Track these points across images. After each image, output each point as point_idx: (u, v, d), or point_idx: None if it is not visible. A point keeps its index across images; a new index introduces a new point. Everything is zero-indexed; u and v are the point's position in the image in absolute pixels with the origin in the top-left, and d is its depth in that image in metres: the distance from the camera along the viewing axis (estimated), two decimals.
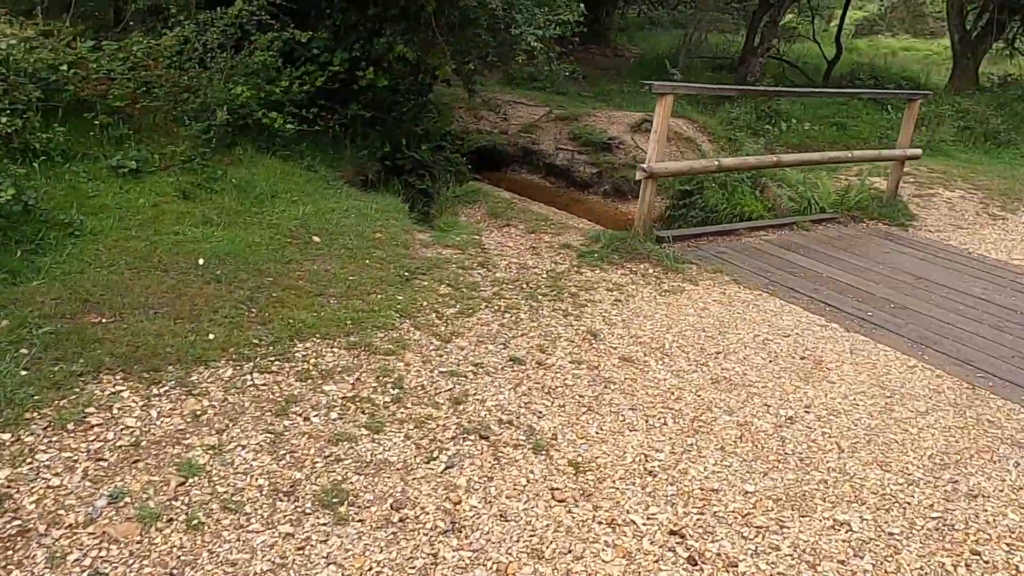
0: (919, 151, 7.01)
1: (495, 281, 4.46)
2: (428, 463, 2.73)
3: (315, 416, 2.90)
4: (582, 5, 8.19)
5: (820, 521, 2.65)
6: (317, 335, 3.47)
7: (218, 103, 5.53)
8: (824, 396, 3.54)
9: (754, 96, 11.00)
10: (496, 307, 4.09)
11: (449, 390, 3.20)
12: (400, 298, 3.98)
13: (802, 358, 3.92)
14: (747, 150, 8.89)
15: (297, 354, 3.30)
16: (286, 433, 2.78)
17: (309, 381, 3.12)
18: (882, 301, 4.85)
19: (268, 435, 2.75)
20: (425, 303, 3.99)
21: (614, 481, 2.76)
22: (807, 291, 4.90)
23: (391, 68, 7.13)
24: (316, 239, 4.54)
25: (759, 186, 7.29)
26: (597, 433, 3.04)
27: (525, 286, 4.45)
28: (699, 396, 3.42)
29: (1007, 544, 2.62)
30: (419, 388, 3.18)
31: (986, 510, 2.80)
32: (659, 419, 3.19)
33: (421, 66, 7.20)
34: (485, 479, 2.68)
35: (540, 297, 4.31)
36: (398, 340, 3.54)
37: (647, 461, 2.89)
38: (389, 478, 2.63)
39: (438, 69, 6.83)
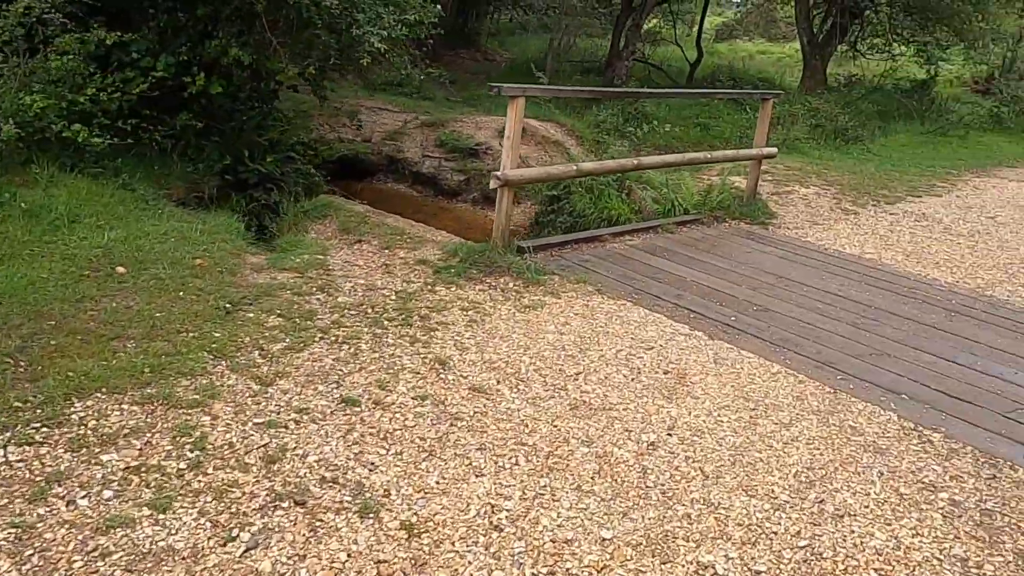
0: (775, 150, 7.10)
1: (336, 307, 3.99)
2: (225, 545, 2.25)
3: (83, 497, 2.35)
4: (438, 6, 7.84)
5: (683, 567, 2.38)
6: (103, 389, 2.89)
7: (6, 115, 4.74)
8: (688, 414, 3.31)
9: (618, 98, 11.00)
10: (333, 338, 3.63)
11: (263, 446, 2.72)
12: (217, 335, 3.44)
13: (665, 372, 3.70)
14: (614, 152, 8.80)
15: (73, 416, 2.72)
16: (39, 525, 2.22)
17: (83, 451, 2.56)
18: (745, 304, 4.75)
19: (13, 530, 2.18)
20: (248, 339, 3.47)
21: (454, 543, 2.37)
22: (671, 298, 4.73)
23: (230, 73, 6.50)
24: (121, 270, 3.91)
25: (625, 189, 7.18)
26: (438, 483, 2.65)
27: (370, 311, 4.01)
28: (556, 426, 3.10)
29: (875, 570, 2.44)
30: (225, 447, 2.68)
31: (853, 531, 2.63)
32: (510, 459, 2.84)
33: (262, 71, 6.61)
34: (296, 559, 2.23)
35: (386, 323, 3.89)
36: (207, 388, 3.01)
37: (494, 513, 2.53)
38: (171, 571, 2.12)
39: (279, 74, 6.26)
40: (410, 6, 6.03)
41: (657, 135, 9.96)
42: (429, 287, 4.48)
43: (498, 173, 4.81)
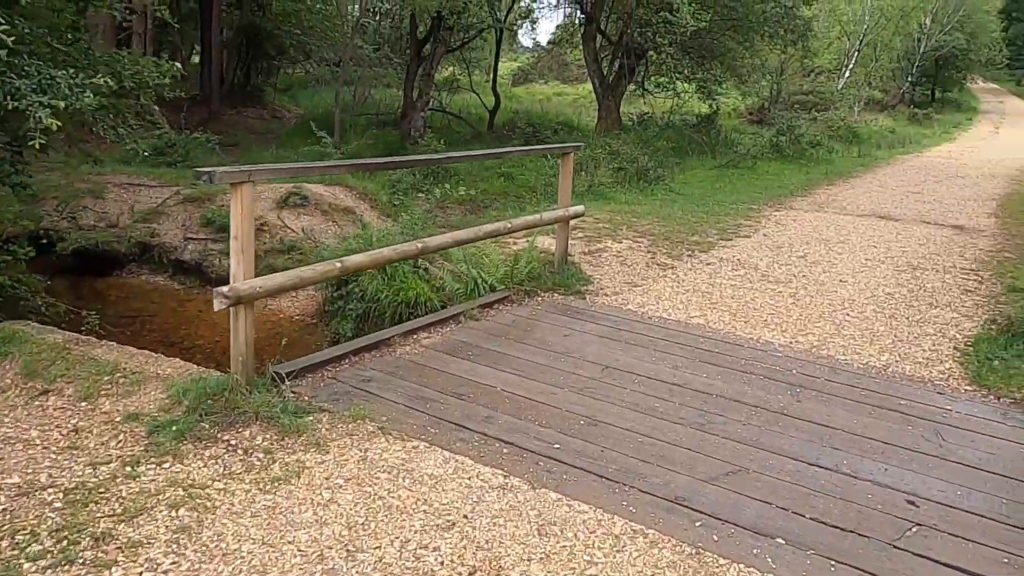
0: (582, 208, 6.37)
1: None
2: None
3: None
4: (176, 64, 6.46)
5: None
6: None
7: None
8: None
9: (382, 169, 9.96)
10: None
11: None
12: None
13: (472, 572, 2.57)
14: (412, 214, 7.73)
15: None
16: None
17: None
18: (570, 417, 3.78)
19: None
20: None
21: None
22: (478, 424, 3.65)
23: None
24: None
25: (421, 266, 6.12)
26: None
27: (6, 543, 2.54)
28: None
29: None
30: None
31: None
32: None
33: None
34: None
35: (25, 566, 2.44)
36: None
37: None
38: None
39: None
40: (108, 64, 4.58)
41: (457, 193, 9.05)
42: (130, 467, 3.07)
43: (225, 289, 3.52)
